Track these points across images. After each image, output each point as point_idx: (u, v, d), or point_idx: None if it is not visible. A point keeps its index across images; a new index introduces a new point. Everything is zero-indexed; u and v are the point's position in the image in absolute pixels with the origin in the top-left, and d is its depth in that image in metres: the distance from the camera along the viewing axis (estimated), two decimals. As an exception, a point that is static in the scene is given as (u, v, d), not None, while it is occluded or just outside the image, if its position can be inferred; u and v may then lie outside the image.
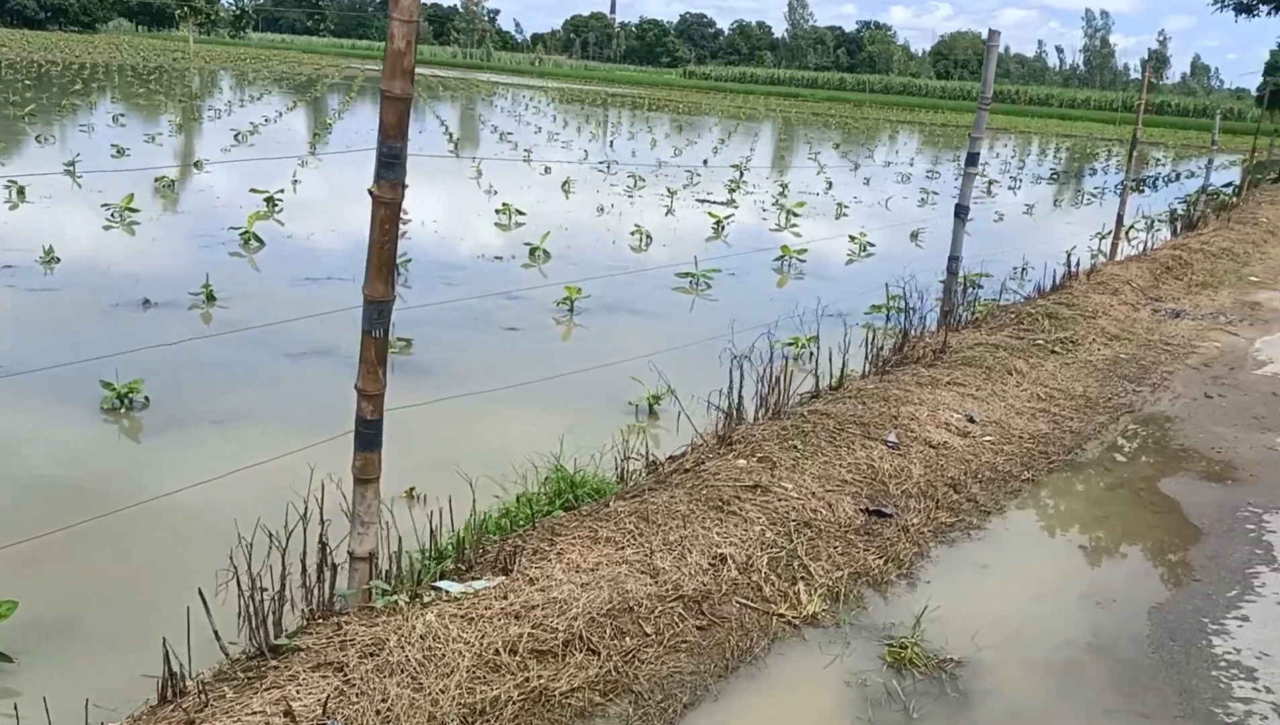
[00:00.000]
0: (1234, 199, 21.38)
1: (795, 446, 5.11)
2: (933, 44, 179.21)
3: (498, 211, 15.33)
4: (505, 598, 3.48)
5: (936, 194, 23.15)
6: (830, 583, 4.00)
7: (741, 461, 4.89)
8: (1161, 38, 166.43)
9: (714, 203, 19.20)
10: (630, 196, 19.13)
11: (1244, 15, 31.97)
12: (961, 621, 3.88)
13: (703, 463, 5.05)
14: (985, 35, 8.55)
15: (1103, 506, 5.13)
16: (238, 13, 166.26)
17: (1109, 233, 17.49)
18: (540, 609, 3.41)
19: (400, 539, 3.94)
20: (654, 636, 3.47)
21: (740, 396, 5.99)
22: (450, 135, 28.25)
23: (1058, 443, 5.83)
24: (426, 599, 3.54)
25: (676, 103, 70.21)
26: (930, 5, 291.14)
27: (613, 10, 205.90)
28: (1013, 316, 8.92)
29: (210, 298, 9.25)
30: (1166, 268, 11.50)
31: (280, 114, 32.50)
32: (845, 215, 19.09)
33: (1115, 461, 5.72)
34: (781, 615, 3.76)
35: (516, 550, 3.87)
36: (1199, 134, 64.90)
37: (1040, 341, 8.07)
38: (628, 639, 3.42)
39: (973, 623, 3.87)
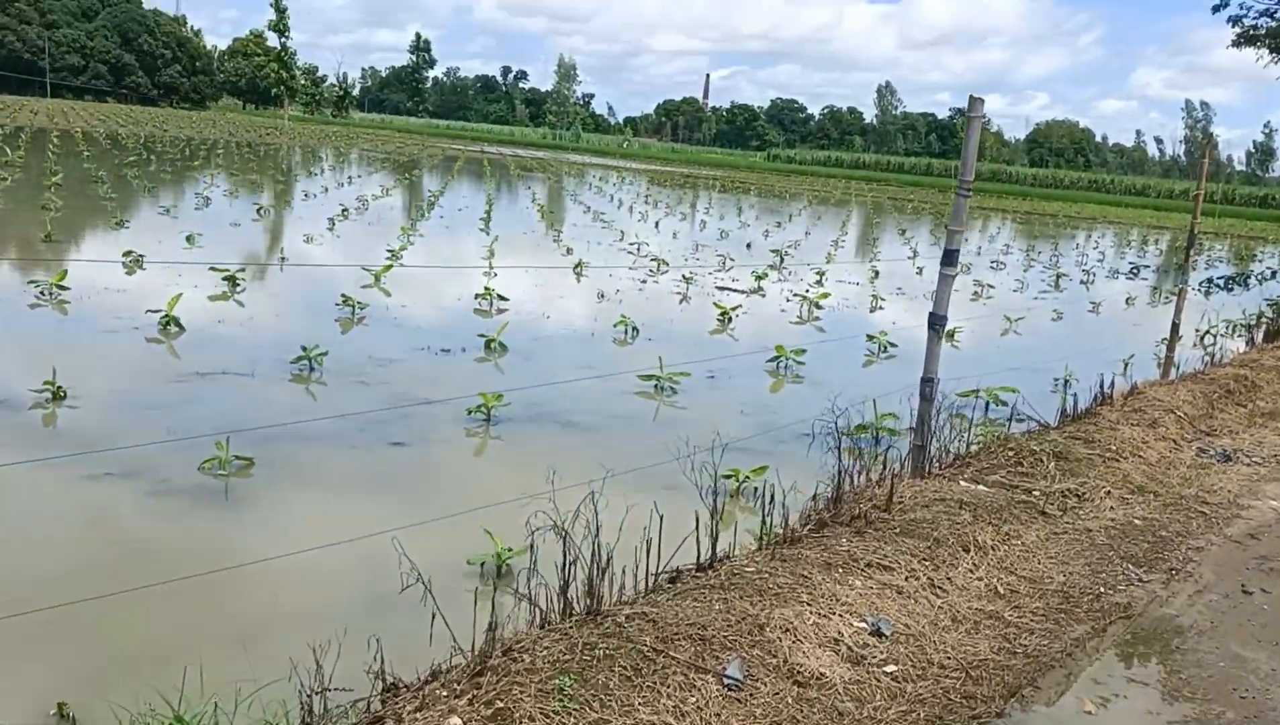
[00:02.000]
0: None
1: (561, 688, 3.40)
2: (1027, 131, 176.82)
3: (478, 296, 13.95)
4: None
5: (993, 287, 21.19)
6: None
7: (455, 719, 3.21)
8: (1267, 129, 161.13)
9: (735, 291, 17.59)
10: (645, 282, 17.64)
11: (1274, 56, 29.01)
12: None
13: (424, 710, 3.39)
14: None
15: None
16: (340, 93, 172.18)
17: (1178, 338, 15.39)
18: None
19: None
20: None
21: (567, 579, 4.32)
22: (488, 212, 27.27)
23: (997, 678, 3.99)
24: None
25: (754, 185, 69.17)
26: (1027, 95, 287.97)
27: (705, 95, 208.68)
28: (1011, 454, 7.07)
29: (57, 396, 7.93)
30: (1227, 391, 9.48)
31: (326, 189, 32.07)
32: (880, 308, 17.30)
33: (1076, 717, 3.86)
34: None
35: None
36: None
37: (1034, 495, 6.22)
38: None
39: None
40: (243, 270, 13.52)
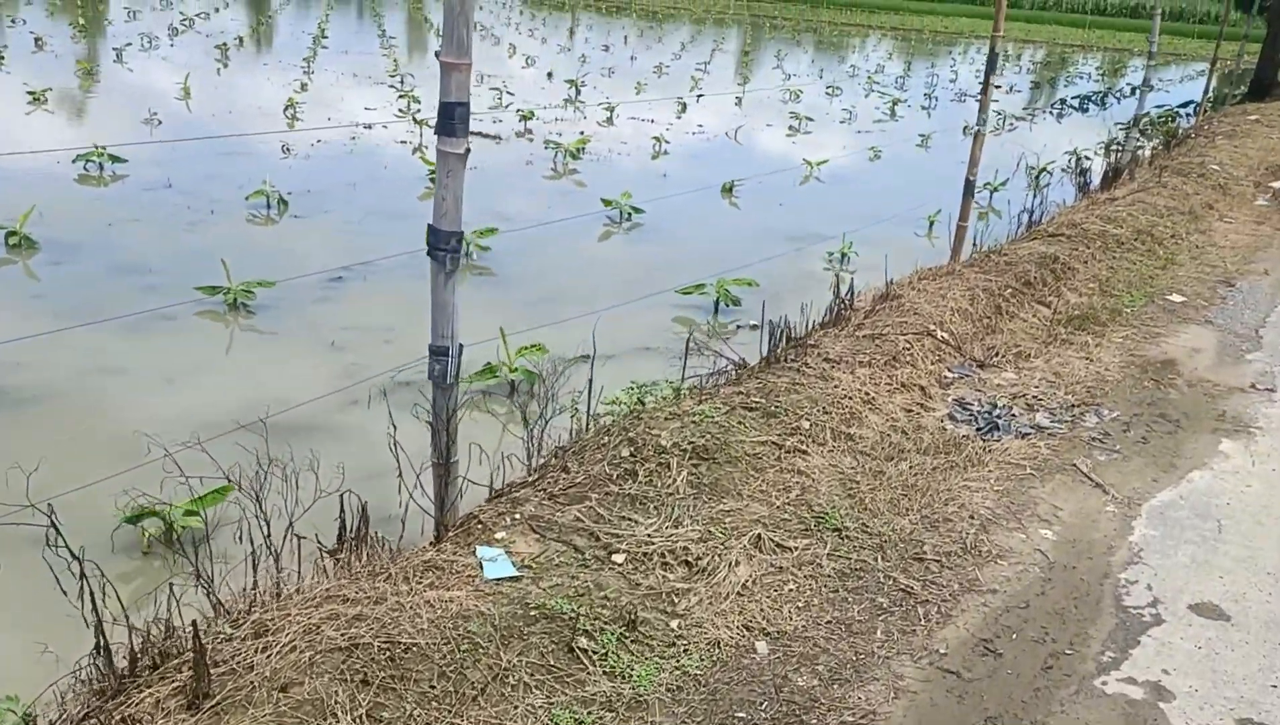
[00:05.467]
0: (1180, 128, 16.44)
1: None
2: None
3: (81, 159, 10.23)
4: None
5: (812, 121, 18.12)
6: None
7: None
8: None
9: (485, 136, 14.14)
10: (368, 131, 13.99)
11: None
12: None
13: None
14: None
15: None
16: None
17: (1002, 182, 12.63)
18: None
19: None
20: None
21: None
22: (324, 34, 22.72)
23: None
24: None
25: (643, 8, 63.76)
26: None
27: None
28: (627, 455, 4.13)
29: None
30: (1026, 283, 6.68)
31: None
32: (664, 153, 14.07)
33: None
34: None
35: None
36: (1179, 40, 59.24)
37: (609, 569, 3.32)
38: None
39: None
40: None
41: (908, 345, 5.37)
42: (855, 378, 4.95)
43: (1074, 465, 4.41)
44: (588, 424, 4.62)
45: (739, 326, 7.45)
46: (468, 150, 3.44)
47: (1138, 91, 12.57)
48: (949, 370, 5.41)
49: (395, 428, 3.49)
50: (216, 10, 31.24)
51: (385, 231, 9.01)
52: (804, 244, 9.88)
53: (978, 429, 4.71)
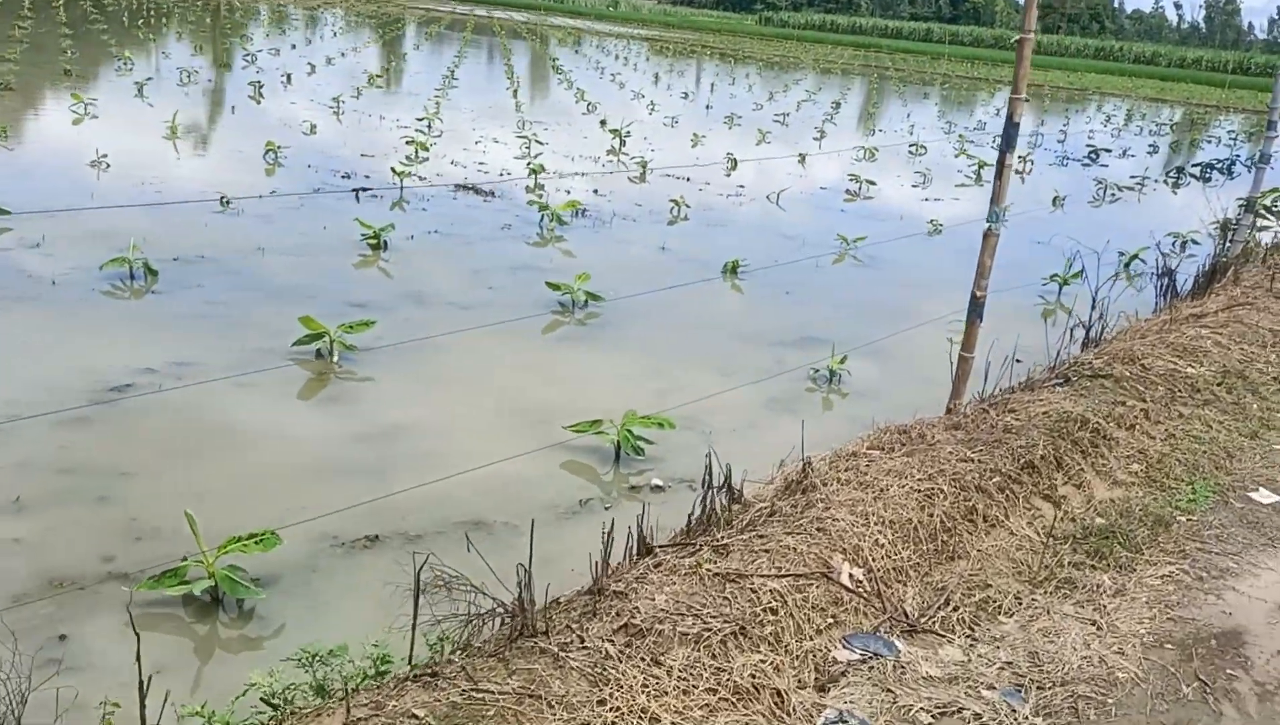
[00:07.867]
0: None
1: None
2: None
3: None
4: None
5: (874, 184, 15.90)
6: None
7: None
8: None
9: (480, 192, 12.43)
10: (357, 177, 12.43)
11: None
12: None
13: None
14: None
15: None
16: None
17: (1075, 273, 10.23)
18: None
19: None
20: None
21: None
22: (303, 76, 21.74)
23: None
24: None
25: (717, 48, 62.53)
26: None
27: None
28: None
29: None
30: (1026, 465, 4.47)
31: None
32: (684, 218, 12.09)
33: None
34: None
35: None
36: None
37: None
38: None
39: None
40: None
41: (778, 597, 3.27)
42: (657, 675, 2.88)
43: None
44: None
45: (636, 486, 5.39)
46: None
47: (1254, 167, 10.07)
48: (846, 642, 3.28)
49: None
50: (322, 38, 30.68)
51: (246, 318, 7.22)
52: (797, 351, 7.78)
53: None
